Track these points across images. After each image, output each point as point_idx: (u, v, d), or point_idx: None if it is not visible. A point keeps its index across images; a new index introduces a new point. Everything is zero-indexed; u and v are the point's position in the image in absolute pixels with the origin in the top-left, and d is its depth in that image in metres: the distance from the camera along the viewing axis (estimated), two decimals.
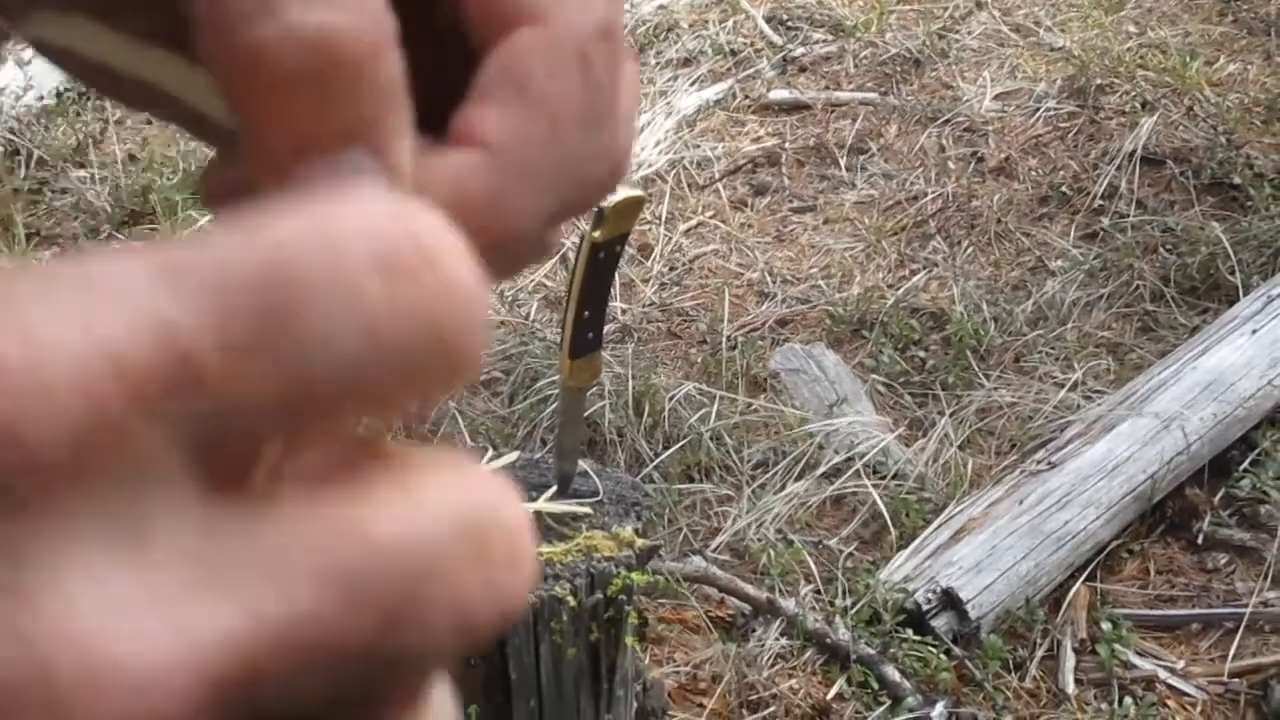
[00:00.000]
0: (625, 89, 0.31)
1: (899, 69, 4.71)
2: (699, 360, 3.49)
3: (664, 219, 4.04)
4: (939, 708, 2.55)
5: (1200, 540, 2.96)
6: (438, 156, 0.28)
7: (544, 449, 2.85)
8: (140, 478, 0.19)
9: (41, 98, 4.41)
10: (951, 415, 3.26)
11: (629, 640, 1.81)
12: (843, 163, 4.29)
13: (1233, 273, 3.62)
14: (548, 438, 3.06)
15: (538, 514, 1.77)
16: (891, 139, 4.39)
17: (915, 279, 3.78)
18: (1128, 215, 3.93)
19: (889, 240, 3.97)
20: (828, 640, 2.66)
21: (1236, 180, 3.97)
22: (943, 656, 2.62)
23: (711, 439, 3.17)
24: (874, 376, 3.43)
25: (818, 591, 2.81)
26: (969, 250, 3.91)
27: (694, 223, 4.07)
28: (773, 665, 2.63)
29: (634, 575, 1.73)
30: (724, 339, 3.52)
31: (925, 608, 2.68)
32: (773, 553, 2.85)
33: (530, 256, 0.31)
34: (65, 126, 4.33)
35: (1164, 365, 3.24)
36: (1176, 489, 3.00)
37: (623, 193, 1.51)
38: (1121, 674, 2.67)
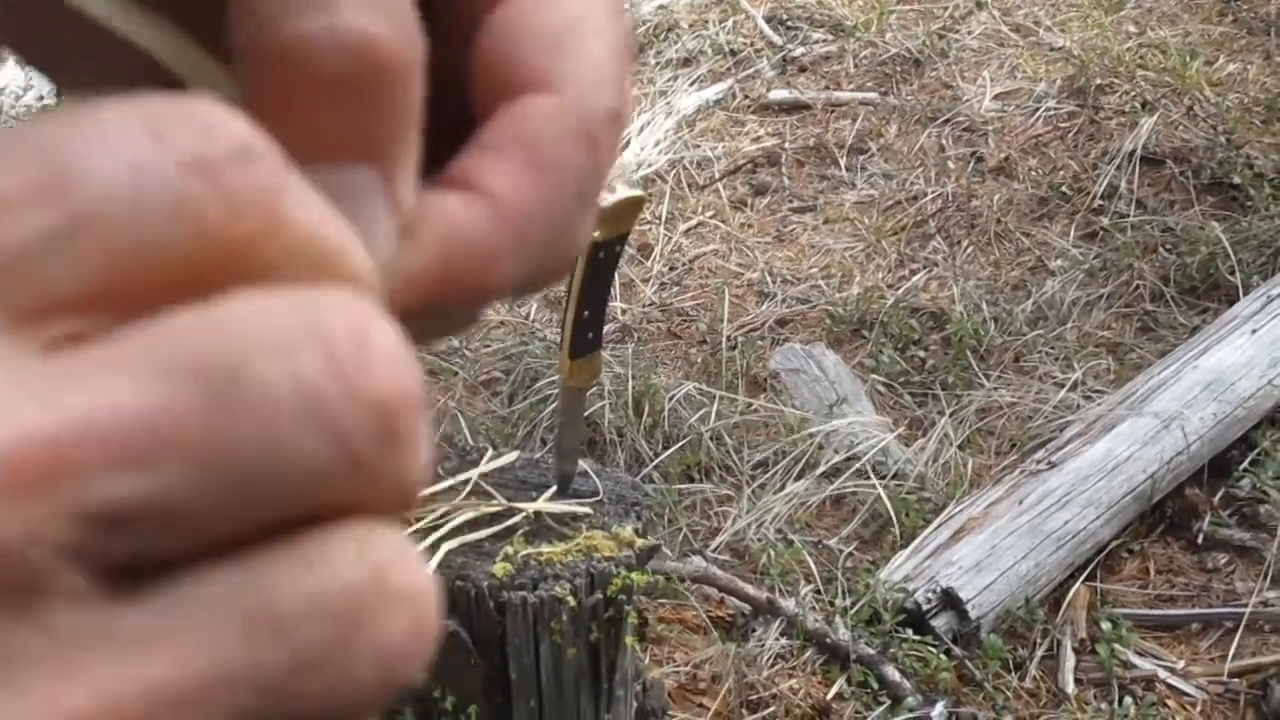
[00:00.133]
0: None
1: (899, 69, 4.71)
2: (699, 360, 3.49)
3: (664, 219, 4.04)
4: (939, 708, 2.55)
5: (1200, 540, 2.96)
6: (437, 196, 0.28)
7: (544, 449, 2.85)
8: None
9: (41, 97, 4.41)
10: (951, 415, 3.26)
11: (629, 640, 1.81)
12: (843, 163, 4.29)
13: (1233, 272, 3.62)
14: (548, 438, 3.06)
15: (538, 514, 1.77)
16: (891, 139, 4.39)
17: (915, 279, 3.78)
18: (1128, 215, 3.93)
19: (889, 240, 3.97)
20: (828, 640, 2.66)
21: (1236, 180, 3.97)
22: (943, 656, 2.62)
23: (711, 439, 3.17)
24: (874, 376, 3.43)
25: (818, 591, 2.81)
26: (969, 250, 3.91)
27: (694, 223, 4.07)
28: (773, 665, 2.63)
29: (634, 575, 1.73)
30: (724, 339, 3.52)
31: (925, 608, 2.68)
32: (773, 553, 2.85)
33: (469, 322, 0.31)
34: None
35: (1164, 365, 3.25)
36: (1176, 489, 3.00)
37: (623, 192, 1.51)
38: (1121, 674, 2.67)
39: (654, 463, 3.10)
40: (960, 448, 3.17)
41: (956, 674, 2.64)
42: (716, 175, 4.26)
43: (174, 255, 0.21)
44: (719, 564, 2.85)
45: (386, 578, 0.22)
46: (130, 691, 0.20)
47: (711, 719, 2.55)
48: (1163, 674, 2.68)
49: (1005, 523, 2.82)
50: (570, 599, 1.70)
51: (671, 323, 3.68)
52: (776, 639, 2.66)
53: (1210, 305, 3.60)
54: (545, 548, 1.73)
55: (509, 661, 1.74)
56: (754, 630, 2.71)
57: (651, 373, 3.33)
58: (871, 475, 3.07)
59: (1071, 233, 3.92)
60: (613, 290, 3.30)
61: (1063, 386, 3.34)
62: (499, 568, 1.70)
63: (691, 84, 4.65)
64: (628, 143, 4.30)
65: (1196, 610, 2.82)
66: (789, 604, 2.71)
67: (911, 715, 2.52)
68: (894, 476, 3.07)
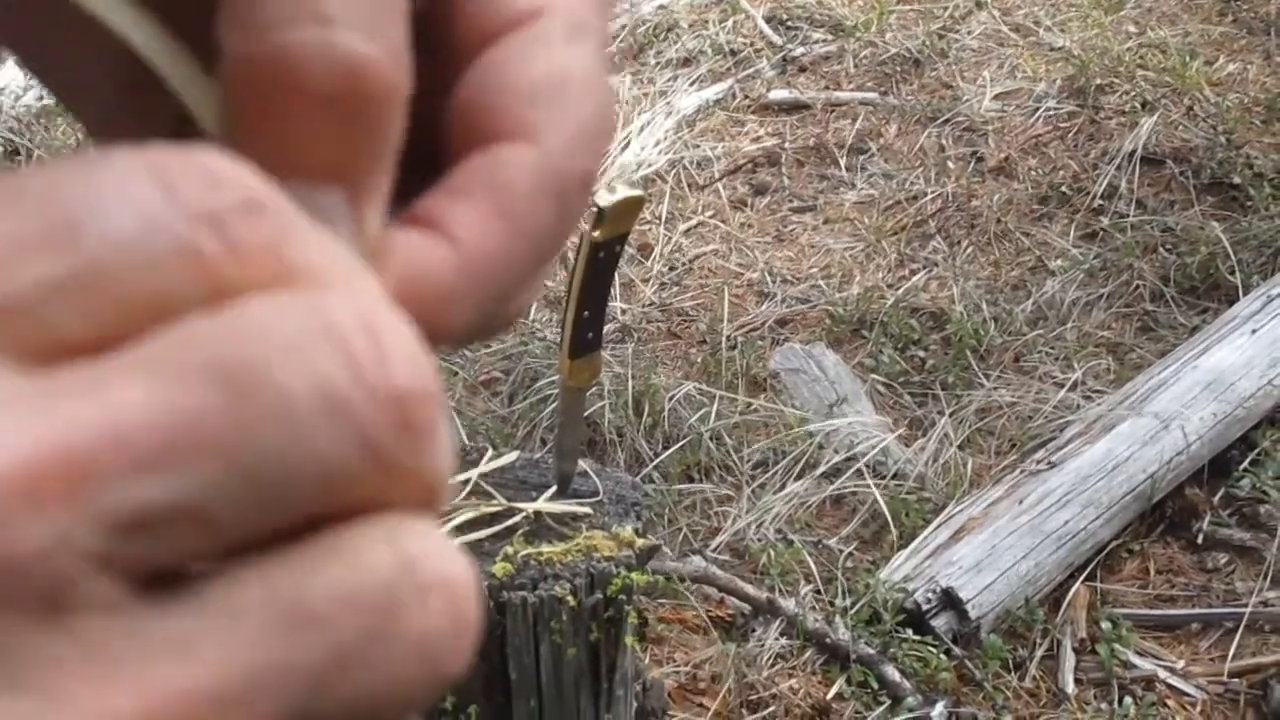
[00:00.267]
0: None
1: (899, 69, 4.71)
2: (699, 360, 3.49)
3: (664, 219, 4.04)
4: (939, 708, 2.55)
5: (1200, 540, 2.96)
6: (401, 232, 0.27)
7: (544, 449, 2.85)
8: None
9: (41, 97, 4.41)
10: (951, 415, 3.26)
11: (629, 640, 1.81)
12: (843, 163, 4.29)
13: (1232, 272, 3.62)
14: (548, 438, 3.06)
15: (538, 514, 1.77)
16: (891, 139, 4.39)
17: (915, 279, 3.78)
18: (1127, 215, 3.93)
19: (889, 240, 3.97)
20: (828, 640, 2.66)
21: (1236, 180, 3.97)
22: (943, 656, 2.62)
23: (711, 439, 3.17)
24: (874, 376, 3.43)
25: (818, 591, 2.81)
26: (969, 250, 3.91)
27: (694, 223, 4.07)
28: (773, 665, 2.63)
29: (634, 575, 1.73)
30: (724, 339, 3.52)
31: (925, 607, 2.68)
32: (773, 553, 2.85)
33: None
34: (65, 126, 4.33)
35: (1164, 365, 3.25)
36: (1176, 489, 3.00)
37: (623, 192, 1.51)
38: (1121, 674, 2.67)
39: (654, 463, 3.10)
40: (960, 448, 3.17)
41: (956, 674, 2.64)
42: (716, 175, 4.26)
43: (181, 303, 0.21)
44: (719, 564, 2.85)
45: (418, 568, 0.22)
46: (171, 694, 0.20)
47: (711, 719, 2.55)
48: (1163, 674, 2.68)
49: (1005, 523, 2.82)
50: (570, 599, 1.70)
51: (671, 323, 3.68)
52: (776, 639, 2.66)
53: (1210, 305, 3.60)
54: (545, 548, 1.73)
55: (509, 661, 1.74)
56: (754, 630, 2.71)
57: (651, 373, 3.32)
58: (871, 475, 3.07)
59: (1071, 233, 3.92)
60: (613, 290, 3.30)
61: (1063, 386, 3.34)
62: (499, 568, 1.70)
63: (691, 84, 4.65)
64: (627, 143, 4.30)
65: (1196, 610, 2.82)
66: (789, 604, 2.71)
67: (911, 715, 2.52)
68: (894, 476, 3.07)
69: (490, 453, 1.88)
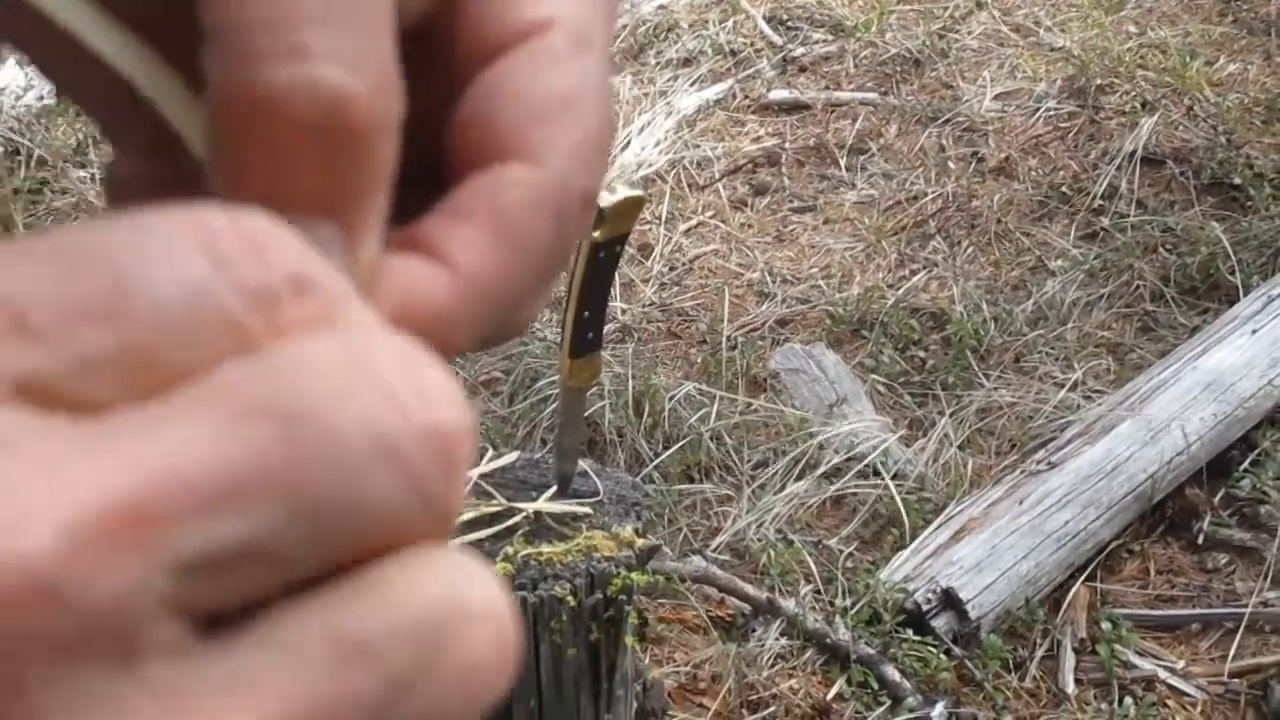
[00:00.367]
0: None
1: (899, 69, 4.71)
2: (699, 360, 3.49)
3: (664, 219, 4.04)
4: (939, 708, 2.55)
5: (1200, 540, 2.96)
6: (400, 259, 0.27)
7: (544, 449, 2.85)
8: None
9: (42, 97, 4.41)
10: (951, 415, 3.26)
11: (629, 640, 1.81)
12: (843, 163, 4.29)
13: (1233, 273, 3.62)
14: (548, 438, 3.06)
15: (538, 514, 1.77)
16: (891, 139, 4.39)
17: (915, 279, 3.78)
18: (1128, 215, 3.93)
19: (889, 240, 3.97)
20: (828, 640, 2.66)
21: (1236, 180, 3.97)
22: (943, 656, 2.62)
23: (711, 439, 3.17)
24: (874, 376, 3.43)
25: (818, 591, 2.80)
26: (969, 250, 3.91)
27: (694, 223, 4.07)
28: (773, 665, 2.63)
29: (634, 575, 1.73)
30: (724, 339, 3.52)
31: (925, 608, 2.68)
32: (773, 553, 2.85)
33: None
34: (65, 126, 4.33)
35: (1164, 365, 3.24)
36: (1176, 489, 3.00)
37: (623, 193, 1.51)
38: (1121, 674, 2.66)
39: (654, 463, 3.10)
40: (960, 448, 3.17)
41: (956, 674, 2.63)
42: (716, 175, 4.26)
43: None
44: (719, 564, 2.85)
45: (464, 598, 0.23)
46: None
47: (711, 719, 2.55)
48: (1163, 674, 2.68)
49: (1005, 523, 2.82)
50: (570, 599, 1.70)
51: (671, 323, 3.68)
52: (776, 639, 2.66)
53: (1210, 305, 3.60)
54: (545, 548, 1.73)
55: None
56: (754, 630, 2.71)
57: (651, 373, 3.32)
58: (871, 475, 3.07)
59: (1072, 233, 3.92)
60: (613, 290, 3.30)
61: (1063, 387, 3.34)
62: (499, 568, 1.70)
63: (691, 84, 4.65)
64: (627, 143, 4.30)
65: (1197, 610, 2.82)
66: (789, 604, 2.71)
67: (911, 715, 2.52)
68: (894, 476, 3.07)
69: (490, 453, 1.88)
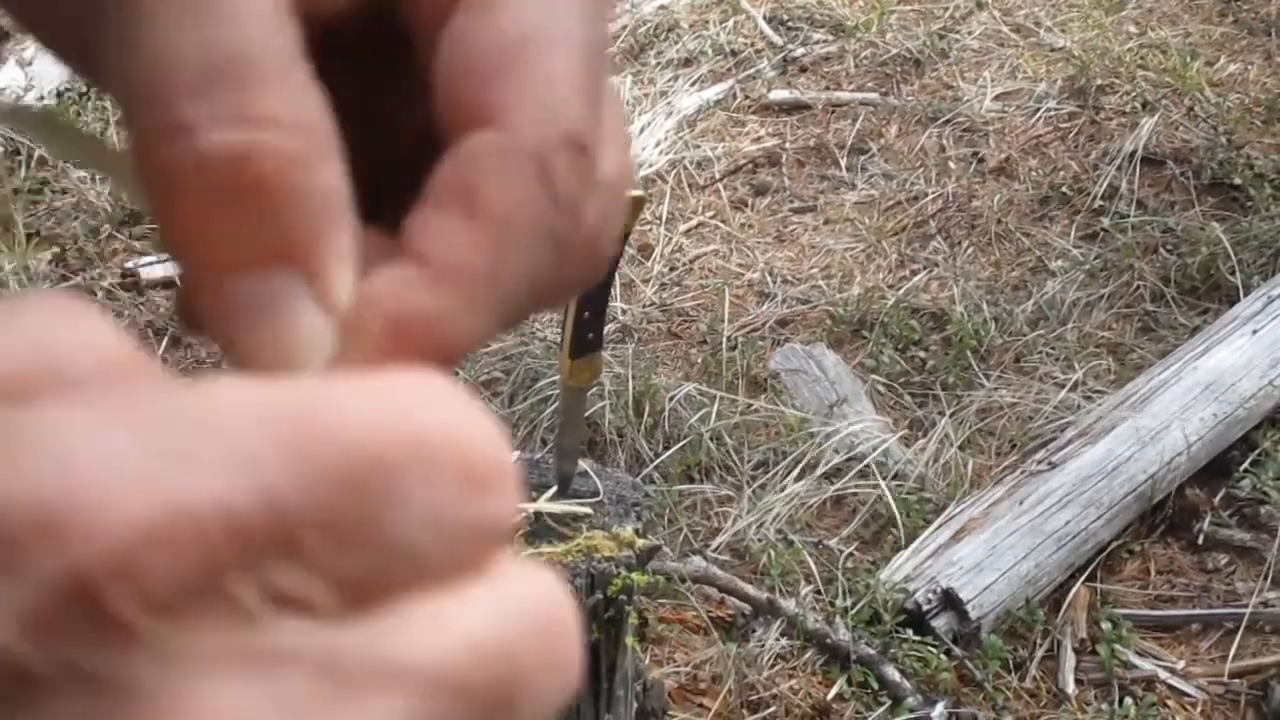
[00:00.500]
0: (602, 194, 0.28)
1: (899, 69, 4.71)
2: (699, 360, 3.49)
3: (664, 219, 4.04)
4: (939, 708, 2.55)
5: (1200, 540, 2.96)
6: (379, 273, 0.26)
7: (544, 449, 2.85)
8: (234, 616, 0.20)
9: (42, 98, 4.41)
10: (952, 415, 3.26)
11: (629, 640, 1.81)
12: (843, 163, 4.29)
13: (1233, 273, 3.62)
14: (548, 438, 3.06)
15: (538, 514, 1.77)
16: (892, 139, 4.39)
17: (915, 279, 3.78)
18: (1128, 215, 3.93)
19: (889, 240, 3.97)
20: (828, 640, 2.66)
21: (1237, 180, 3.97)
22: (943, 656, 2.62)
23: (712, 439, 3.17)
24: (874, 377, 3.43)
25: (818, 592, 2.80)
26: (969, 250, 3.91)
27: (694, 223, 4.07)
28: (773, 665, 2.63)
29: (634, 575, 1.73)
30: (724, 339, 3.52)
31: (925, 608, 2.68)
32: (773, 553, 2.85)
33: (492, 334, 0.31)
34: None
35: (1164, 365, 3.24)
36: (1177, 489, 3.00)
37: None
38: (1121, 674, 2.66)
39: (654, 463, 3.10)
40: (961, 448, 3.17)
41: (957, 674, 2.63)
42: (717, 175, 4.26)
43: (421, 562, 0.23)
44: (719, 564, 2.85)
45: (550, 600, 0.24)
46: None
47: (711, 719, 2.55)
48: (1163, 674, 2.68)
49: (1006, 523, 2.82)
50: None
51: (672, 323, 3.68)
52: (777, 639, 2.66)
53: (1211, 306, 3.60)
54: (545, 548, 1.73)
55: None
56: (754, 630, 2.71)
57: (652, 373, 3.32)
58: (872, 476, 3.07)
59: (1072, 233, 3.92)
60: (613, 290, 3.30)
61: (1063, 387, 3.34)
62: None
63: (692, 84, 4.65)
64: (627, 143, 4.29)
65: (1197, 611, 2.82)
66: (789, 604, 2.71)
67: (912, 715, 2.52)
68: (894, 477, 3.07)
69: None
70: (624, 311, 3.66)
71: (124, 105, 0.25)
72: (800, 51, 4.82)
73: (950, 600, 2.69)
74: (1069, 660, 2.70)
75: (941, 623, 2.68)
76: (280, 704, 0.20)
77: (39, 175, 4.18)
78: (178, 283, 0.28)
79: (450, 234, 0.26)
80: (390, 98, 0.31)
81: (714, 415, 3.22)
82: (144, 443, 0.20)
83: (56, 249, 3.85)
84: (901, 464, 3.11)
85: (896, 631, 2.66)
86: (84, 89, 4.35)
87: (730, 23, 4.96)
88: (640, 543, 1.77)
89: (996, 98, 4.48)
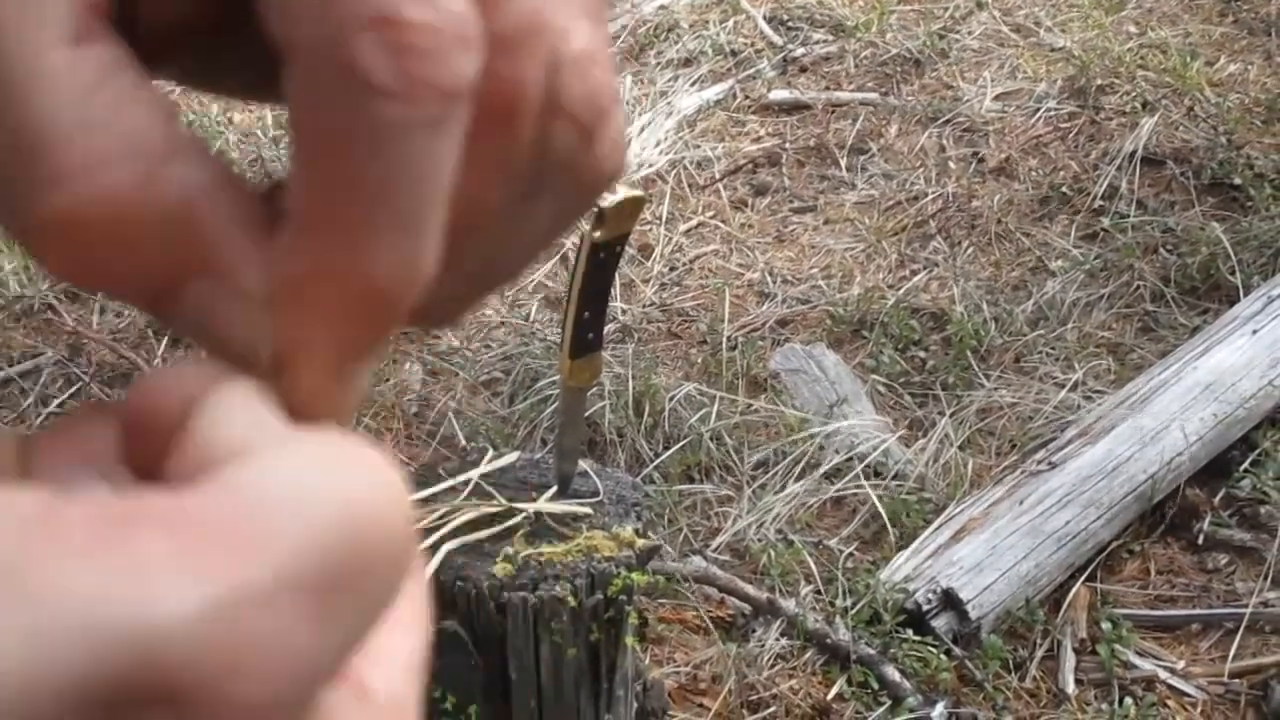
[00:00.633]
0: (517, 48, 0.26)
1: (899, 69, 4.71)
2: (699, 360, 3.49)
3: (664, 219, 4.04)
4: (939, 708, 2.55)
5: (1200, 540, 2.96)
6: (277, 243, 0.26)
7: (544, 449, 2.85)
8: None
9: None
10: (952, 415, 3.26)
11: (629, 640, 1.81)
12: (843, 163, 4.29)
13: (1233, 273, 3.62)
14: (548, 438, 3.06)
15: (538, 514, 1.77)
16: (892, 139, 4.39)
17: (915, 279, 3.78)
18: (1128, 215, 3.93)
19: (889, 240, 3.97)
20: (828, 640, 2.66)
21: (1237, 180, 3.97)
22: (943, 657, 2.62)
23: (711, 439, 3.17)
24: (874, 377, 3.43)
25: (818, 592, 2.80)
26: (969, 250, 3.91)
27: (694, 223, 4.07)
28: (773, 665, 2.63)
29: (634, 575, 1.73)
30: (724, 339, 3.52)
31: (925, 608, 2.68)
32: (773, 553, 2.85)
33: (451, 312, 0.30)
34: None
35: (1164, 365, 3.24)
36: (1176, 489, 3.00)
37: (623, 193, 1.51)
38: (1121, 674, 2.66)
39: (654, 463, 3.10)
40: (961, 448, 3.17)
41: (957, 674, 2.63)
42: (717, 175, 4.26)
43: None
44: (719, 564, 2.85)
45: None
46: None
47: (711, 719, 2.55)
48: (1163, 674, 2.68)
49: (1006, 523, 2.82)
50: (570, 599, 1.70)
51: (672, 323, 3.68)
52: (777, 639, 2.66)
53: (1211, 306, 3.60)
54: (545, 548, 1.73)
55: (509, 661, 1.74)
56: (754, 630, 2.71)
57: (652, 373, 3.32)
58: (872, 476, 3.07)
59: (1072, 233, 3.92)
60: (613, 290, 3.30)
61: (1063, 387, 3.34)
62: (499, 568, 1.70)
63: (692, 84, 4.65)
64: (628, 143, 4.30)
65: (1197, 611, 2.82)
66: (789, 604, 2.71)
67: (912, 716, 2.52)
68: (894, 477, 3.07)
69: (491, 453, 1.88)
70: (624, 311, 3.66)
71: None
72: (800, 51, 4.82)
73: (950, 600, 2.69)
74: (1069, 660, 2.70)
75: (941, 623, 2.68)
76: None
77: None
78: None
79: (294, 181, 0.25)
80: None
81: (714, 415, 3.22)
82: None
83: None
84: (901, 464, 3.11)
85: (896, 631, 2.66)
86: None
87: (730, 23, 4.96)
88: (640, 543, 1.77)
89: (996, 98, 4.48)
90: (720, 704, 2.56)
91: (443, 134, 0.24)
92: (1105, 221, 3.93)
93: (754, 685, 2.60)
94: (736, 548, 2.94)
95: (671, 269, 3.87)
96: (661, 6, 5.04)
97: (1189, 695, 2.64)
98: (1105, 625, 2.73)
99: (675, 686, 2.57)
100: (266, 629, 0.21)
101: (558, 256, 3.57)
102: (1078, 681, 2.67)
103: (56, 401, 3.31)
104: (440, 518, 1.74)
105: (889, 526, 2.94)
